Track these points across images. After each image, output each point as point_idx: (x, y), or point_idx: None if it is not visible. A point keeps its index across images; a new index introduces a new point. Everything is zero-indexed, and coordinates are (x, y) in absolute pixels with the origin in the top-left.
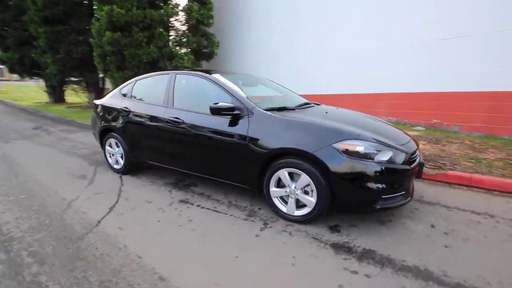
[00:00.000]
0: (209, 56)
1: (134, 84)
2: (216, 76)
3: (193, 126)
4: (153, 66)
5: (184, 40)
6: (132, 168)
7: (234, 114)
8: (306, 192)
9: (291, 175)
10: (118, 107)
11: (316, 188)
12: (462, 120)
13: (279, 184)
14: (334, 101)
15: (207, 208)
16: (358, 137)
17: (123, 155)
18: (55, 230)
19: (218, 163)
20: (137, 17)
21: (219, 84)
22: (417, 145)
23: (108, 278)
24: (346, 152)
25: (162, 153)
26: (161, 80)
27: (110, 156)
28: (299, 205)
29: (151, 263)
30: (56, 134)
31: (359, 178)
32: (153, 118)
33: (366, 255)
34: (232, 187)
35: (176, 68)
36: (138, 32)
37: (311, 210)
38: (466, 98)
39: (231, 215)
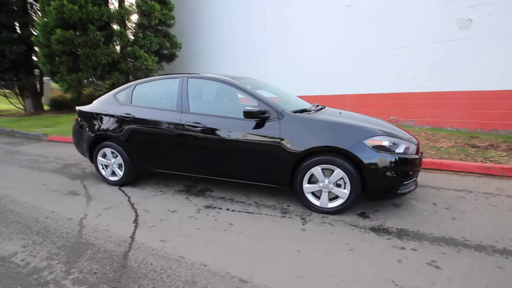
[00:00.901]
0: (170, 58)
1: (134, 88)
2: (235, 80)
3: (218, 131)
4: (113, 67)
5: (147, 41)
6: (133, 178)
7: (265, 117)
8: (338, 185)
9: (322, 170)
10: (117, 113)
11: (350, 180)
12: (414, 116)
13: (310, 180)
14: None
15: (239, 211)
16: (382, 134)
17: (124, 164)
18: (84, 252)
19: (247, 165)
20: (93, 14)
21: (243, 89)
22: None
23: None
24: (374, 147)
25: (175, 159)
26: (169, 84)
27: (103, 168)
28: (330, 198)
29: (223, 269)
30: (1, 147)
31: (386, 168)
32: (165, 124)
33: (402, 233)
34: (248, 188)
35: (136, 69)
36: (95, 30)
37: (345, 201)
38: (416, 97)
39: (266, 215)
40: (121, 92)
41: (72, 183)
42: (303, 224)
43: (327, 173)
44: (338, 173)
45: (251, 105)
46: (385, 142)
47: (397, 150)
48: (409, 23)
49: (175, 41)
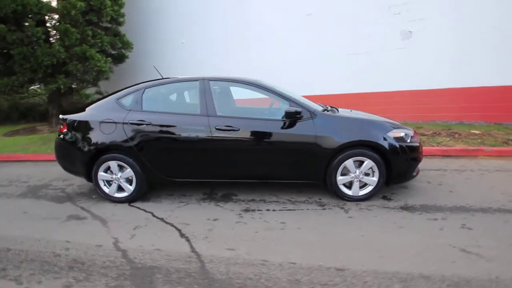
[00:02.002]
0: (120, 59)
1: (143, 93)
2: (263, 82)
3: (252, 133)
4: (57, 70)
5: (98, 40)
6: (144, 192)
7: (300, 117)
8: (366, 174)
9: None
10: (127, 121)
11: (378, 169)
12: (374, 112)
13: (341, 172)
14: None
15: (279, 210)
16: (398, 127)
17: (135, 178)
18: (154, 277)
19: (281, 164)
20: (31, 7)
21: (273, 91)
22: None
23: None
24: (395, 138)
25: (201, 165)
26: (186, 88)
27: (105, 184)
28: (361, 186)
29: (313, 263)
30: None
31: (405, 155)
32: (190, 129)
33: (426, 208)
34: (271, 188)
35: (86, 72)
36: (34, 26)
37: (374, 187)
38: (370, 96)
39: (307, 209)
40: (127, 97)
41: (63, 207)
42: (346, 213)
43: (356, 164)
44: (368, 163)
45: (289, 106)
46: (402, 134)
47: (409, 140)
48: (362, 32)
49: (126, 41)
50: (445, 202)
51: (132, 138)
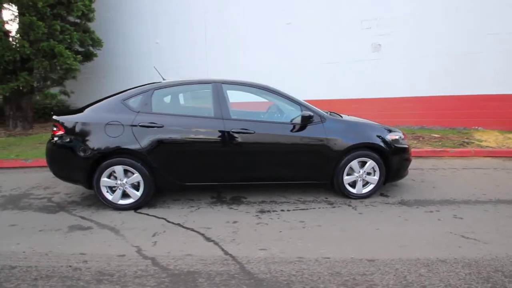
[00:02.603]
0: (87, 57)
1: (152, 94)
2: (274, 88)
3: (267, 136)
4: (21, 67)
5: (67, 36)
6: (150, 198)
7: (311, 121)
8: (368, 174)
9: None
10: (136, 123)
11: (379, 169)
12: None
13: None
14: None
15: (293, 210)
16: (394, 130)
17: (143, 182)
18: (196, 282)
19: (293, 165)
20: None
21: (286, 96)
22: None
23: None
24: (393, 140)
25: (216, 168)
26: (198, 90)
27: (108, 191)
28: (363, 185)
29: (345, 256)
30: None
31: (401, 156)
32: (205, 132)
33: (420, 203)
34: (277, 189)
35: (53, 70)
36: None
37: (375, 185)
38: (344, 103)
39: (319, 208)
40: (134, 98)
41: (58, 217)
42: (355, 210)
43: (360, 164)
44: (371, 163)
45: (301, 111)
46: (397, 136)
47: (402, 142)
48: (338, 43)
49: (96, 38)
50: (433, 196)
51: (142, 141)
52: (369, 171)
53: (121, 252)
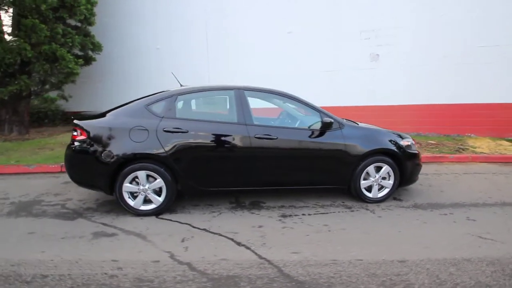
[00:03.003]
0: (86, 61)
1: (176, 100)
2: (293, 94)
3: (289, 141)
4: (20, 70)
5: (69, 39)
6: (172, 203)
7: (331, 127)
8: (383, 178)
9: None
10: (161, 128)
11: (394, 174)
12: None
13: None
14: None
15: (314, 214)
16: (406, 136)
17: (166, 188)
18: (238, 285)
19: (313, 170)
20: None
21: (305, 103)
22: None
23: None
24: (405, 146)
25: (239, 173)
26: (221, 96)
27: (129, 197)
28: (378, 189)
29: (376, 258)
30: None
31: (413, 161)
32: (229, 137)
33: (432, 206)
34: (293, 193)
35: (54, 73)
36: None
37: (390, 190)
38: (345, 109)
39: (339, 212)
40: (157, 103)
41: (78, 224)
42: (373, 213)
43: (375, 169)
44: (386, 168)
45: (321, 117)
46: (409, 142)
47: (413, 147)
48: (338, 52)
49: (96, 43)
50: (443, 200)
51: (166, 147)
52: (384, 176)
53: (154, 258)
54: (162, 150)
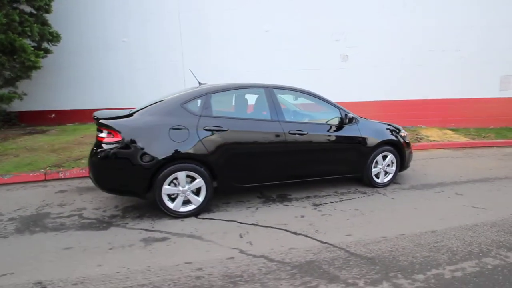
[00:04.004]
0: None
1: (210, 98)
2: (316, 92)
3: (316, 136)
4: None
5: (27, 28)
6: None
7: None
8: (387, 165)
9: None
10: (201, 127)
11: (396, 161)
12: None
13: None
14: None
15: (339, 200)
16: (401, 128)
17: (205, 187)
18: (323, 269)
19: (337, 161)
20: None
21: (325, 100)
22: None
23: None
24: (402, 136)
25: (273, 168)
26: (251, 94)
27: (169, 200)
28: (385, 175)
29: (414, 231)
30: None
31: (409, 149)
32: (266, 134)
33: (426, 186)
34: (313, 184)
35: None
36: None
37: (393, 175)
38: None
39: (359, 197)
40: (193, 102)
41: (117, 233)
42: (386, 196)
43: (382, 158)
44: (390, 157)
45: (340, 114)
46: (405, 133)
47: (407, 137)
48: (312, 51)
49: (55, 33)
50: (430, 181)
51: (207, 145)
52: (388, 163)
53: (226, 255)
54: (203, 149)
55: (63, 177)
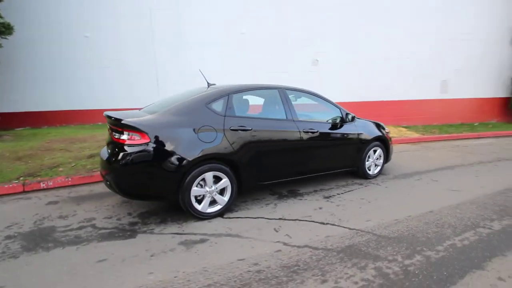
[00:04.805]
0: None
1: (232, 98)
2: (320, 93)
3: (324, 134)
4: None
5: None
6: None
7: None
8: (377, 159)
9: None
10: (227, 127)
11: (384, 155)
12: None
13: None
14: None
15: (344, 192)
16: (384, 126)
17: (230, 187)
18: (362, 252)
19: (340, 157)
20: None
21: (327, 100)
22: None
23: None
24: (386, 132)
25: (290, 165)
26: (267, 95)
27: (196, 201)
28: (375, 168)
29: (423, 211)
30: None
31: (391, 144)
32: (285, 133)
33: (405, 175)
34: (314, 179)
35: None
36: None
37: (381, 168)
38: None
39: (359, 188)
40: (216, 102)
41: (149, 240)
42: (379, 186)
43: (373, 152)
44: (380, 151)
45: (341, 113)
46: (388, 130)
47: (389, 133)
48: (285, 55)
49: (6, 24)
50: (407, 171)
51: (234, 145)
52: (377, 157)
53: (273, 248)
54: (231, 149)
55: (45, 187)
